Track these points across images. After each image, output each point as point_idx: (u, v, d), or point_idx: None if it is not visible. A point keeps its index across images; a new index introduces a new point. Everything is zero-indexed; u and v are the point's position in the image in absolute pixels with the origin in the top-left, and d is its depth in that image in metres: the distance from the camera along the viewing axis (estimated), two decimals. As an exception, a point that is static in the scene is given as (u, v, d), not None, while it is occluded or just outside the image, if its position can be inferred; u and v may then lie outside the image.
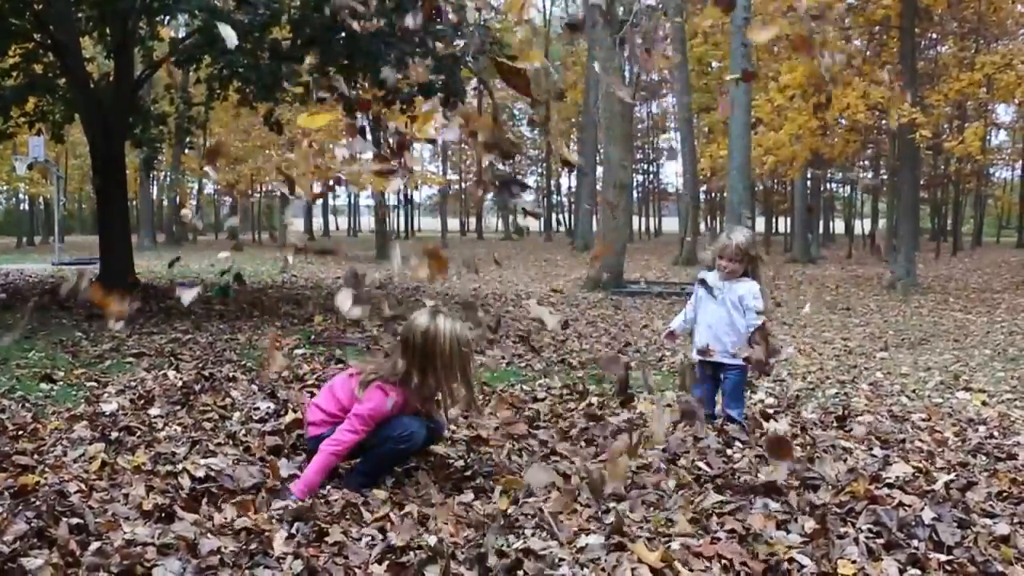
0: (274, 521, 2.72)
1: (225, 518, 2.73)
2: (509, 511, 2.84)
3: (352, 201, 56.57)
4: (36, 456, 3.35)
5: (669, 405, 4.48)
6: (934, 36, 26.80)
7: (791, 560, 2.47)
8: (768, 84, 19.12)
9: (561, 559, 2.46)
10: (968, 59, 21.21)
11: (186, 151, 28.40)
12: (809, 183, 27.74)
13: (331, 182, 3.04)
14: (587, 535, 2.64)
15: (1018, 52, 17.17)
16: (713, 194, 38.45)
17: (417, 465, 3.35)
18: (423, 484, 3.18)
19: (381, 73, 8.76)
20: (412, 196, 48.24)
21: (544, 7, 41.32)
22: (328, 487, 3.07)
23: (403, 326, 3.20)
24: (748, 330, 4.00)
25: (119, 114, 11.22)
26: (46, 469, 3.16)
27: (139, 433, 3.77)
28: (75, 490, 2.91)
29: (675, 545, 2.55)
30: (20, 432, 3.74)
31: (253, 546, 2.50)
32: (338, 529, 2.66)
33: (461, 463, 3.43)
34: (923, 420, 4.61)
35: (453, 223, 54.71)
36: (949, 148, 18.29)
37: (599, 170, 26.47)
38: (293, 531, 2.64)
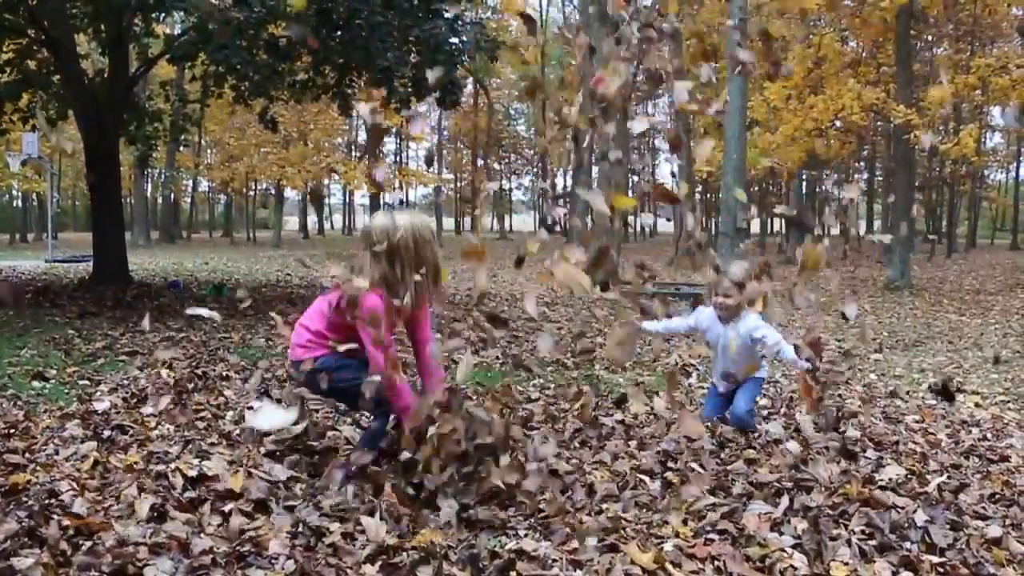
0: (271, 521, 2.71)
1: (218, 518, 2.72)
2: (502, 512, 2.84)
3: (347, 199, 56.56)
4: (27, 455, 3.33)
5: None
6: (930, 38, 26.90)
7: (784, 562, 2.47)
8: (764, 84, 19.15)
9: (554, 560, 2.46)
10: (963, 62, 21.27)
11: (181, 148, 28.36)
12: (805, 184, 27.80)
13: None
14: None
15: (1013, 55, 17.23)
16: (709, 195, 38.50)
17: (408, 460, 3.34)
18: (417, 483, 3.16)
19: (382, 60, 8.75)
20: (408, 195, 48.26)
21: (540, 8, 41.33)
22: (328, 491, 3.05)
23: (362, 232, 3.22)
24: (784, 357, 3.84)
25: (114, 111, 11.19)
26: (37, 468, 3.14)
27: (132, 432, 3.76)
28: (67, 489, 2.90)
29: (668, 546, 2.55)
30: (12, 430, 3.72)
31: (246, 547, 2.49)
32: (338, 530, 2.65)
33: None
34: (916, 422, 4.61)
35: (448, 222, 54.72)
36: (944, 150, 18.35)
37: (594, 170, 26.45)
38: (292, 529, 2.64)
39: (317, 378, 3.10)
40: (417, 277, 3.12)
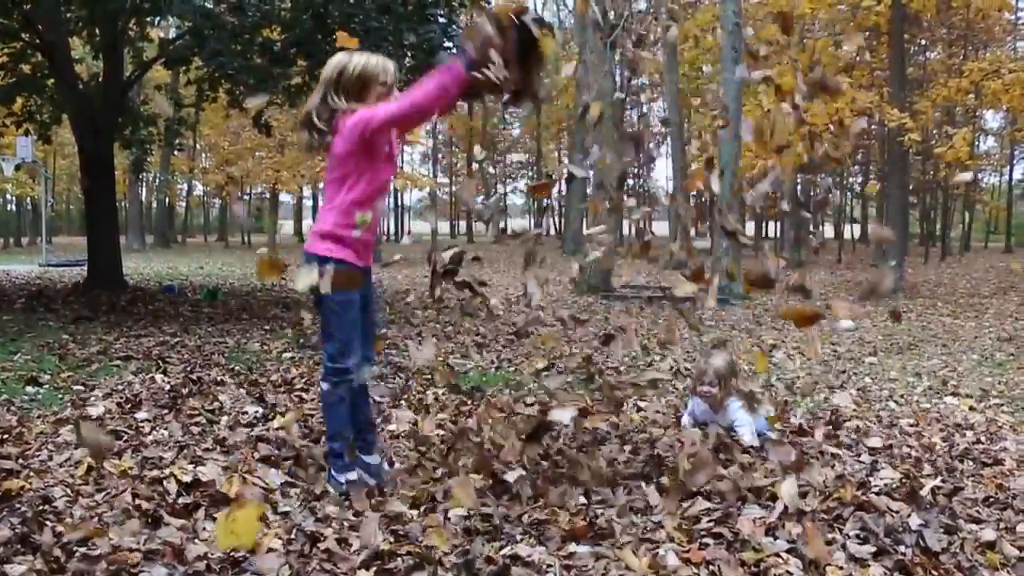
0: (266, 528, 2.70)
1: (212, 524, 2.71)
2: (496, 518, 2.84)
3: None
4: (21, 461, 3.33)
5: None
6: (923, 42, 27.00)
7: (780, 567, 2.48)
8: (758, 88, 19.17)
9: (549, 565, 2.46)
10: (957, 65, 21.35)
11: (176, 153, 28.34)
12: (799, 187, 27.83)
13: None
14: (575, 542, 2.64)
15: (1006, 59, 17.30)
16: (703, 198, 38.56)
17: (404, 468, 3.35)
18: (410, 489, 3.16)
19: None
20: (402, 199, 48.24)
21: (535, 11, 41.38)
22: (323, 499, 3.05)
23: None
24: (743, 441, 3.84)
25: (108, 115, 11.17)
26: (31, 474, 3.14)
27: (126, 437, 3.75)
28: (60, 495, 2.89)
29: (663, 551, 2.55)
30: (5, 436, 3.71)
31: (241, 553, 2.49)
32: (333, 535, 2.65)
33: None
34: (911, 425, 4.62)
35: (443, 226, 54.69)
36: (938, 153, 18.40)
37: (589, 173, 26.46)
38: (287, 535, 2.63)
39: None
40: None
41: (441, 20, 9.65)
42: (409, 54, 9.70)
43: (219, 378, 5.32)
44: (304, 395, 4.80)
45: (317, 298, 3.06)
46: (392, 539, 2.64)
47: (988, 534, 2.74)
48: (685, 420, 4.19)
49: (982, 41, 26.39)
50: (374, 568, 2.44)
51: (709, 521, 2.80)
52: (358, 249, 3.09)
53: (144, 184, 38.77)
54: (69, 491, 2.94)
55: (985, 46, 26.58)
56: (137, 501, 2.83)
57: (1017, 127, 26.67)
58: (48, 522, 2.60)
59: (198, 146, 37.48)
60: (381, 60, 3.12)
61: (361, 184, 3.03)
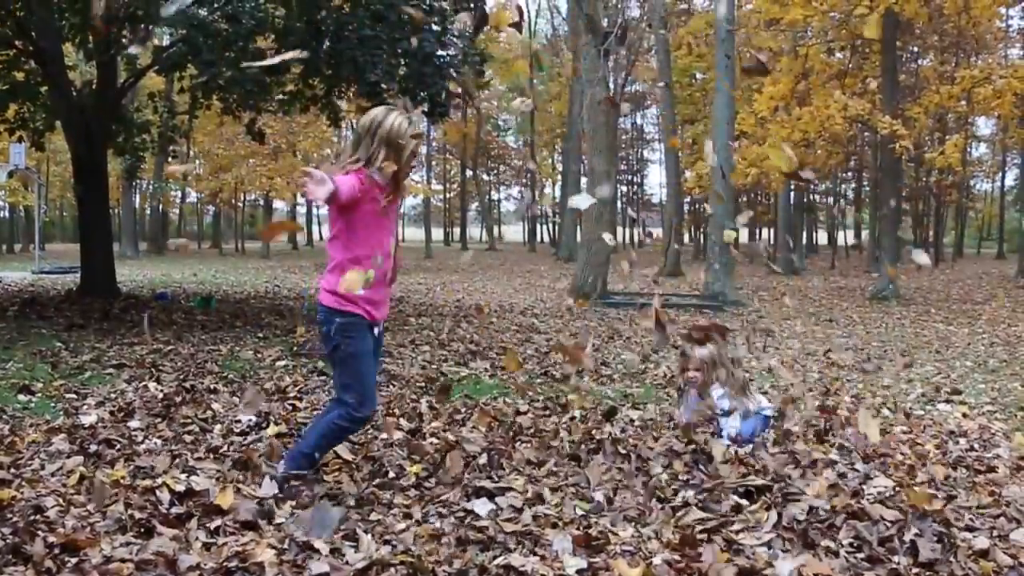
0: (262, 538, 2.69)
1: (205, 534, 2.70)
2: (490, 528, 2.83)
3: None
4: (12, 470, 3.31)
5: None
6: (915, 49, 27.14)
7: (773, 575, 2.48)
8: (752, 96, 19.24)
9: (543, 575, 2.45)
10: (949, 72, 21.45)
11: (169, 160, 28.28)
12: (792, 194, 27.94)
13: None
14: (570, 551, 2.63)
15: (996, 67, 17.38)
16: (696, 205, 38.67)
17: (397, 475, 3.34)
18: (404, 498, 3.16)
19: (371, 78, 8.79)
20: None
21: (529, 19, 41.55)
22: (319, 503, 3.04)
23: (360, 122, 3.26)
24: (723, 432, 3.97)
25: (102, 122, 11.15)
26: (23, 483, 3.12)
27: (118, 446, 3.73)
28: (52, 504, 2.88)
29: (657, 560, 2.54)
30: (-3, 445, 3.69)
31: (234, 563, 2.48)
32: (327, 544, 2.64)
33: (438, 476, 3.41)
34: (905, 433, 4.63)
35: (437, 233, 54.68)
36: (930, 160, 18.47)
37: (583, 180, 26.62)
38: (280, 545, 2.62)
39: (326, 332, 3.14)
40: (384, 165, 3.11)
41: (435, 28, 9.66)
42: (403, 62, 9.70)
43: (212, 386, 5.30)
44: (298, 403, 4.79)
45: (331, 348, 3.17)
46: (388, 549, 2.63)
47: (982, 542, 2.74)
48: (678, 418, 4.23)
49: (973, 48, 26.53)
50: (368, 578, 2.44)
51: (703, 530, 2.79)
52: (368, 306, 3.16)
53: (137, 191, 38.70)
54: (61, 501, 2.93)
55: (977, 54, 26.72)
56: (129, 511, 2.82)
57: (1009, 134, 26.80)
58: (40, 532, 2.59)
59: (191, 153, 37.41)
60: (406, 123, 3.18)
61: (355, 244, 3.11)
